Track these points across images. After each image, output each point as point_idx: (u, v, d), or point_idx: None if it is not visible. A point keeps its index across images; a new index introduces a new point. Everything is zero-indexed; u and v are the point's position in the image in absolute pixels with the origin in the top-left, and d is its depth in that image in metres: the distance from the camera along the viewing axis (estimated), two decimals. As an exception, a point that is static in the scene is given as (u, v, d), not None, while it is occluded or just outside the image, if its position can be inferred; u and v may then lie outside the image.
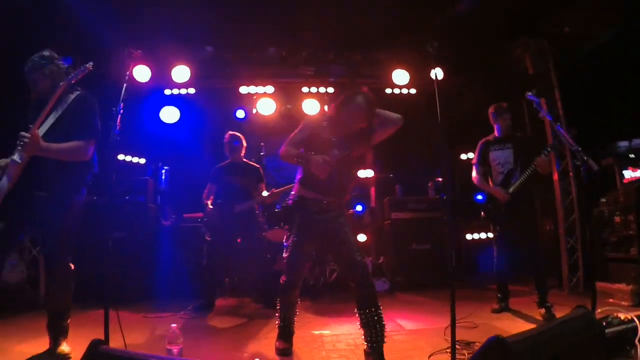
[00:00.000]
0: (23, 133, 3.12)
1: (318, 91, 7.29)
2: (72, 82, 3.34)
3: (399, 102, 7.24)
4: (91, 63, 3.37)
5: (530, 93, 4.25)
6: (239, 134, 5.83)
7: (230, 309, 5.62)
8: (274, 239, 6.28)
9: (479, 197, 8.21)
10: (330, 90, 7.29)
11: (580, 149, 3.59)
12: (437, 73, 6.59)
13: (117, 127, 3.17)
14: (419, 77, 6.96)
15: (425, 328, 4.30)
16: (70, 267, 3.46)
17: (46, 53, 3.46)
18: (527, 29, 6.18)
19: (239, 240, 5.68)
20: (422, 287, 6.27)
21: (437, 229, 6.51)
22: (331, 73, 7.12)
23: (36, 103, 3.40)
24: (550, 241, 6.41)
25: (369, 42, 6.85)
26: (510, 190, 4.71)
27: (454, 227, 6.88)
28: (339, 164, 3.34)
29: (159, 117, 7.37)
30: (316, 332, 4.26)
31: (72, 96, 3.40)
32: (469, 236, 7.25)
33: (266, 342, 3.94)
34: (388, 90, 7.27)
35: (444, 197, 6.03)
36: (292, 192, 3.59)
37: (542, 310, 4.47)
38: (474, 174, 5.05)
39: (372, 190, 7.52)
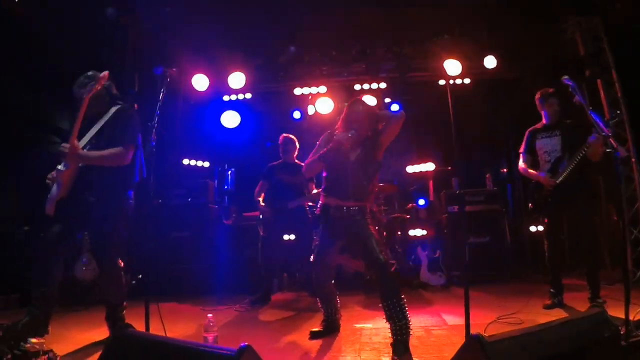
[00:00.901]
0: (63, 144, 3.43)
1: (370, 87, 7.29)
2: (91, 92, 3.51)
3: (453, 93, 7.06)
4: (106, 72, 3.63)
5: (566, 77, 3.99)
6: (292, 137, 6.03)
7: (285, 302, 5.81)
8: None
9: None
10: (383, 85, 7.27)
11: (610, 134, 3.33)
12: (490, 60, 6.48)
13: (153, 140, 3.38)
14: (472, 66, 6.73)
15: (473, 323, 4.17)
16: (120, 264, 3.75)
17: (90, 73, 3.75)
18: (577, 7, 5.76)
19: (290, 236, 5.87)
20: (480, 282, 6.06)
21: (495, 221, 6.28)
22: (382, 69, 7.09)
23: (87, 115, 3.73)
24: (617, 232, 5.93)
25: (419, 35, 6.75)
26: (558, 180, 4.42)
27: (514, 219, 6.61)
28: (353, 167, 3.56)
29: (220, 123, 7.77)
30: (358, 325, 4.28)
31: (114, 109, 3.72)
32: (532, 228, 6.88)
33: (306, 333, 4.01)
34: (442, 82, 7.10)
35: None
36: (319, 201, 3.84)
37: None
38: (520, 163, 4.84)
39: (430, 184, 7.39)
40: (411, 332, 3.34)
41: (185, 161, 7.75)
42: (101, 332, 3.91)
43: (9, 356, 2.87)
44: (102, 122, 3.66)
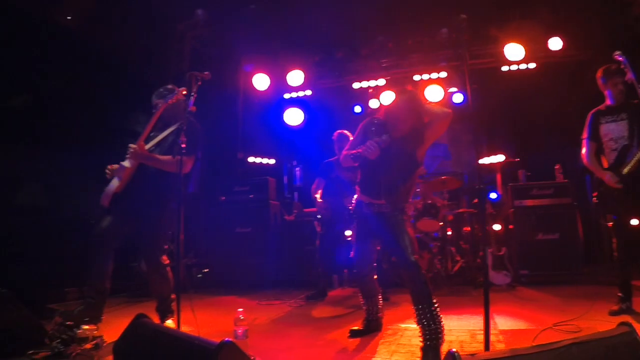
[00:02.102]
0: (131, 144, 3.74)
1: (430, 77, 7.03)
2: (168, 102, 3.85)
3: (516, 80, 6.64)
4: (183, 88, 3.89)
5: (618, 52, 3.56)
6: (346, 132, 5.98)
7: (340, 299, 5.80)
8: (425, 228, 6.32)
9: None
10: (443, 74, 6.98)
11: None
12: (555, 42, 5.99)
13: (182, 142, 3.51)
14: (537, 50, 6.25)
15: (519, 329, 3.91)
16: (164, 260, 3.96)
17: (170, 86, 4.08)
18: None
19: (348, 233, 5.86)
20: (549, 282, 5.66)
21: (566, 217, 5.79)
22: (440, 58, 6.81)
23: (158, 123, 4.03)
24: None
25: (477, 19, 6.39)
26: (625, 171, 3.91)
27: (588, 214, 6.03)
28: (387, 168, 3.44)
29: (284, 120, 7.91)
30: (402, 325, 4.18)
31: (182, 121, 3.97)
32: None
33: (348, 331, 3.98)
34: (504, 68, 6.67)
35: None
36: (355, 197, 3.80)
37: None
38: (583, 151, 4.29)
39: (498, 177, 6.98)
40: (443, 338, 3.21)
41: (251, 159, 7.99)
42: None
43: (58, 340, 3.15)
44: (169, 131, 3.94)
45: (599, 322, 3.86)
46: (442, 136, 8.22)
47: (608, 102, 4.21)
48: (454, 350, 1.74)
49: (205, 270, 6.84)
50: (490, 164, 7.26)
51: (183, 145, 3.39)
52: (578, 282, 5.61)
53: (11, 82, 5.37)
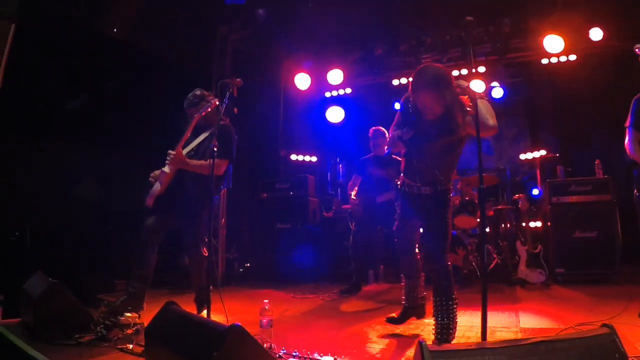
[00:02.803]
0: (170, 150, 4.10)
1: (469, 72, 6.95)
2: (202, 114, 4.14)
3: (557, 73, 6.47)
4: (215, 99, 4.23)
5: (639, 46, 3.41)
6: (382, 129, 6.07)
7: (373, 294, 5.94)
8: (462, 225, 6.37)
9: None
10: (482, 69, 6.91)
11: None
12: (596, 33, 5.79)
13: (215, 145, 3.79)
14: (577, 41, 6.06)
15: (540, 328, 3.90)
16: (204, 252, 4.28)
17: (198, 92, 4.38)
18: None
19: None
20: (585, 281, 5.52)
21: (605, 214, 5.61)
22: (478, 51, 6.73)
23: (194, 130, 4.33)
24: None
25: (516, 12, 6.28)
26: None
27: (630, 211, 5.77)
28: (421, 158, 3.39)
29: (325, 118, 8.11)
30: (426, 320, 4.22)
31: (216, 126, 4.28)
32: None
33: (373, 325, 4.17)
34: (544, 61, 6.51)
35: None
36: None
37: None
38: (626, 140, 3.92)
39: (538, 172, 6.84)
40: (454, 335, 3.31)
41: (293, 156, 8.25)
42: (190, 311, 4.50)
43: (102, 326, 3.51)
44: (204, 136, 4.27)
45: (626, 325, 3.67)
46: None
47: None
48: (422, 340, 1.87)
49: (247, 265, 7.19)
50: (532, 159, 7.13)
51: (215, 149, 3.67)
52: (615, 283, 5.44)
53: (70, 86, 5.90)
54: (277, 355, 3.14)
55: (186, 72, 5.69)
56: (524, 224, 6.12)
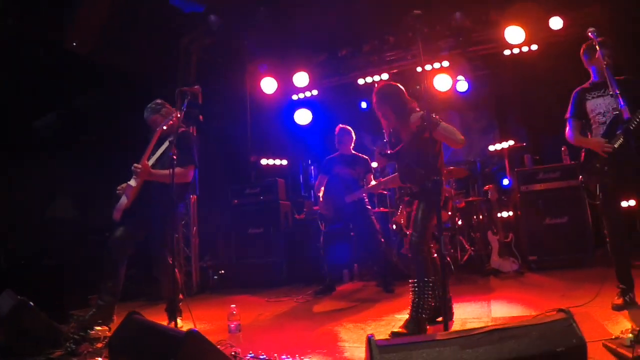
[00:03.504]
0: (135, 164, 4.05)
1: (433, 68, 7.02)
2: (164, 128, 4.11)
3: (521, 64, 6.55)
4: (177, 112, 4.13)
5: (592, 29, 3.44)
6: (348, 127, 6.03)
7: (347, 293, 5.88)
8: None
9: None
10: (446, 64, 6.94)
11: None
12: (556, 22, 5.85)
13: (173, 153, 3.72)
14: (538, 30, 6.12)
15: (512, 316, 3.83)
16: (169, 261, 4.23)
17: (159, 101, 4.39)
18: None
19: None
20: (559, 267, 5.54)
21: (574, 200, 5.65)
22: (441, 46, 6.77)
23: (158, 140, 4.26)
24: None
25: (478, 4, 6.34)
26: (616, 144, 3.59)
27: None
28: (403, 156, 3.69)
29: (294, 121, 8.06)
30: (398, 316, 4.16)
31: (175, 134, 4.21)
32: (624, 204, 5.99)
33: (342, 324, 4.12)
34: (506, 52, 6.57)
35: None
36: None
37: None
38: (567, 130, 4.02)
39: (506, 163, 6.89)
40: (424, 313, 3.44)
41: (264, 161, 8.17)
42: (161, 321, 4.36)
43: (71, 341, 3.49)
44: (165, 146, 4.20)
45: (600, 308, 3.63)
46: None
47: (593, 78, 3.97)
48: (371, 334, 1.81)
49: (221, 272, 7.07)
50: (501, 149, 7.17)
51: (174, 157, 3.65)
52: (589, 266, 5.46)
53: (41, 105, 5.80)
54: (245, 359, 3.08)
55: (154, 85, 5.62)
56: (496, 215, 6.14)
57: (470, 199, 6.83)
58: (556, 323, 1.91)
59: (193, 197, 6.94)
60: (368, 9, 6.53)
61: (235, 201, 7.06)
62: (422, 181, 3.54)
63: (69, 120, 6.13)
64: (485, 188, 6.65)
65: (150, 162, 4.14)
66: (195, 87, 4.08)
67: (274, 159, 8.32)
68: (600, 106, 3.83)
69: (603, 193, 3.85)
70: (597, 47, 3.54)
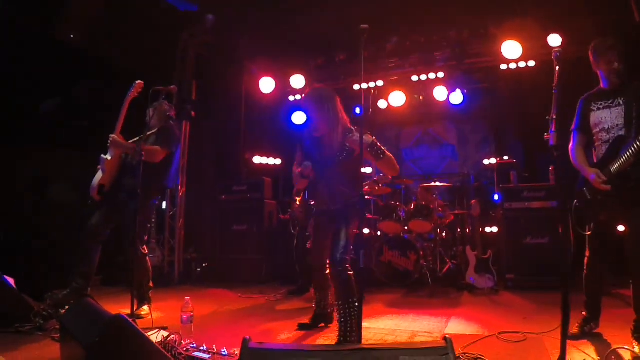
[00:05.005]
0: (110, 135, 4.21)
1: (428, 78, 6.97)
2: (130, 97, 4.34)
3: (519, 79, 6.48)
4: (138, 82, 4.34)
5: (557, 49, 3.16)
6: None
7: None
8: (416, 229, 6.40)
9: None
10: (441, 75, 6.90)
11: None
12: (554, 39, 5.75)
13: (142, 149, 3.81)
14: (536, 47, 6.04)
15: (463, 334, 3.73)
16: (144, 250, 4.42)
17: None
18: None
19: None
20: (536, 288, 5.42)
21: (557, 221, 5.53)
22: (437, 57, 6.73)
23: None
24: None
25: (476, 18, 6.27)
26: (613, 168, 3.16)
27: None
28: (325, 175, 3.63)
29: (290, 121, 8.09)
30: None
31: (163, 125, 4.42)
32: (621, 228, 5.77)
33: (292, 322, 4.16)
34: (503, 67, 6.50)
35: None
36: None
37: (635, 344, 3.05)
38: (570, 144, 3.53)
39: (495, 178, 6.79)
40: (357, 338, 3.19)
41: (257, 159, 8.22)
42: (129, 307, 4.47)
43: (39, 317, 3.67)
44: (151, 132, 4.33)
45: (554, 337, 3.37)
46: (450, 137, 8.26)
47: (602, 84, 3.46)
48: (247, 337, 1.83)
49: (204, 265, 7.14)
50: (490, 164, 7.09)
51: (142, 153, 3.76)
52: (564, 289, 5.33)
53: (40, 93, 5.94)
54: (185, 349, 3.13)
55: (151, 79, 5.69)
56: (478, 230, 6.06)
57: (456, 211, 6.76)
58: (432, 350, 1.84)
59: (181, 190, 7.03)
60: (367, 16, 6.51)
61: (223, 197, 7.14)
62: (349, 199, 3.55)
63: (64, 106, 6.24)
64: (472, 202, 6.58)
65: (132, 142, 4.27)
66: (172, 87, 4.17)
67: (268, 157, 8.36)
68: (605, 120, 3.34)
69: (592, 221, 3.46)
70: (556, 67, 3.06)
